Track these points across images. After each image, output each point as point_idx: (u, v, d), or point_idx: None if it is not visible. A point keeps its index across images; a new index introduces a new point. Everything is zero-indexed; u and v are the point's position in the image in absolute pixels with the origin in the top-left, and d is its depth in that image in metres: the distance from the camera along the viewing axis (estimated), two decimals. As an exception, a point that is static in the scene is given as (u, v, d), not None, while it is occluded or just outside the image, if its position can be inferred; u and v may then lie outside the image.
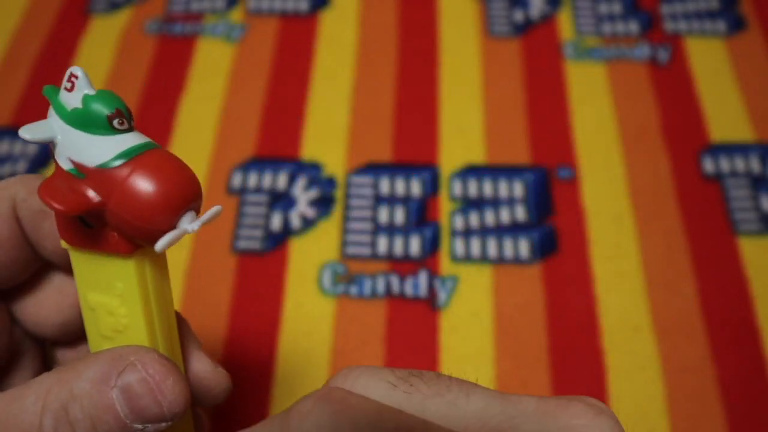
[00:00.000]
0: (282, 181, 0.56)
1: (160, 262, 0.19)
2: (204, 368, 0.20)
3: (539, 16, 0.66)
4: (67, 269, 0.20)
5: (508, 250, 0.51)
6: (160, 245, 0.17)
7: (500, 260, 0.51)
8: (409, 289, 0.50)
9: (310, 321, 0.49)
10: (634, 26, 0.64)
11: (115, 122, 0.17)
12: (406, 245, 0.52)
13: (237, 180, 0.56)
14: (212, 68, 0.63)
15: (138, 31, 0.67)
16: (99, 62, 0.64)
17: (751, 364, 0.46)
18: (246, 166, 0.57)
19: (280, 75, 0.63)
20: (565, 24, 0.65)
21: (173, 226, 0.17)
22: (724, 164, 0.55)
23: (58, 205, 0.16)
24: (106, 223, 0.17)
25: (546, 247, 0.52)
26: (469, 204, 0.54)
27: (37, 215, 0.19)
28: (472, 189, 0.55)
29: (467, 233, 0.53)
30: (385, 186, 0.55)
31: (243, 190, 0.55)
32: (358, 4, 0.68)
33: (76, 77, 0.17)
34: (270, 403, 0.46)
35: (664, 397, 0.45)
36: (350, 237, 0.53)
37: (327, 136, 0.59)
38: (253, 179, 0.56)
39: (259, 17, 0.67)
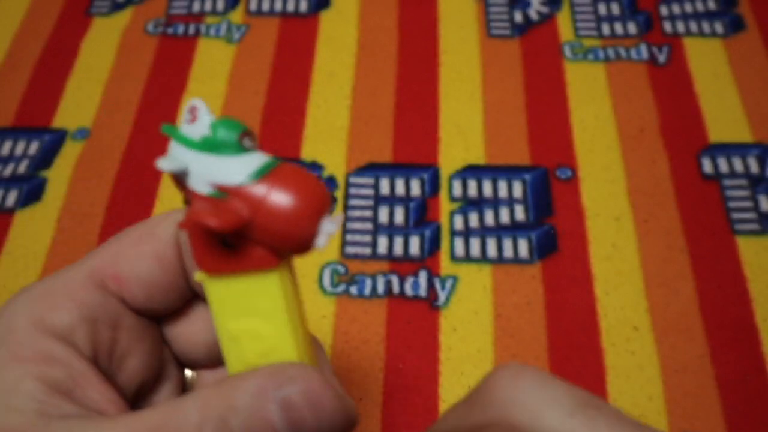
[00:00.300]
0: (282, 181, 0.56)
1: (293, 277, 0.20)
2: None
3: (539, 17, 0.66)
4: None
5: (508, 250, 0.52)
6: (321, 242, 0.18)
7: (500, 260, 0.51)
8: (409, 289, 0.50)
9: (310, 321, 0.49)
10: (633, 27, 0.65)
11: (245, 142, 0.17)
12: (406, 245, 0.52)
13: (237, 180, 0.56)
14: (213, 69, 0.64)
15: (139, 32, 0.67)
16: (100, 63, 0.65)
17: (750, 364, 0.46)
18: (246, 167, 0.57)
19: (280, 75, 0.63)
20: (564, 25, 0.65)
21: (317, 230, 0.18)
22: (723, 164, 0.56)
23: (215, 223, 0.16)
24: (247, 240, 0.17)
25: (545, 247, 0.52)
26: (468, 204, 0.54)
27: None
28: (472, 189, 0.55)
29: (467, 233, 0.53)
30: (385, 186, 0.55)
31: (243, 191, 0.56)
32: (358, 5, 0.68)
33: (197, 109, 0.17)
34: (270, 402, 0.46)
35: (662, 396, 0.45)
36: (350, 237, 0.53)
37: (327, 136, 0.59)
38: (253, 179, 0.56)
39: (259, 18, 0.67)
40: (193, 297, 0.21)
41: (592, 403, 0.17)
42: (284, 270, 0.19)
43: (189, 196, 0.19)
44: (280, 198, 0.17)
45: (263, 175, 0.18)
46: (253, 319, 0.18)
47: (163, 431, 0.16)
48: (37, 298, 0.18)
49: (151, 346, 0.20)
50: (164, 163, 0.19)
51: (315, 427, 0.16)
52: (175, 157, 0.18)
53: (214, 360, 0.21)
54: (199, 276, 0.19)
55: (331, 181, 0.56)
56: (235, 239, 0.18)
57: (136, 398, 0.20)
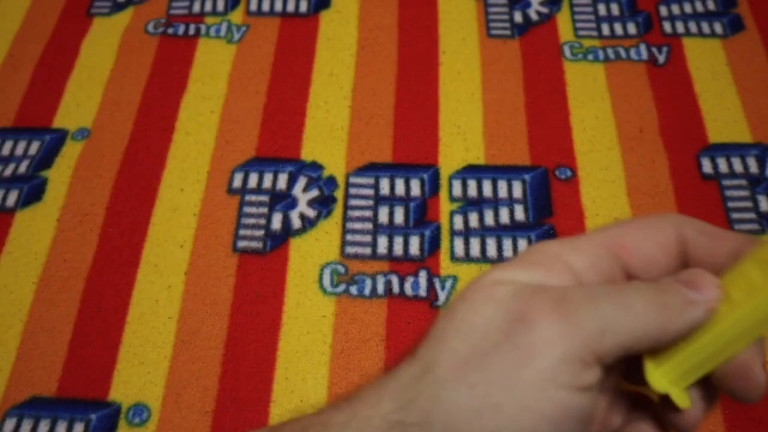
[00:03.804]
0: (282, 181, 0.56)
1: None
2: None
3: (539, 17, 0.66)
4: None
5: (508, 250, 0.52)
6: None
7: (500, 260, 0.51)
8: (409, 289, 0.50)
9: (310, 321, 0.49)
10: (632, 27, 0.65)
11: None
12: (406, 245, 0.52)
13: (237, 180, 0.56)
14: (213, 69, 0.64)
15: (139, 32, 0.67)
16: (100, 63, 0.65)
17: (749, 364, 0.47)
18: (246, 167, 0.57)
19: (281, 75, 0.63)
20: (564, 25, 0.65)
21: None
22: (722, 164, 0.56)
23: None
24: None
25: (545, 247, 0.52)
26: (468, 204, 0.54)
27: (704, 234, 0.23)
28: (472, 189, 0.55)
29: (467, 233, 0.53)
30: (385, 186, 0.55)
31: (243, 191, 0.56)
32: (358, 5, 0.68)
33: None
34: (270, 402, 0.46)
35: (662, 396, 0.45)
36: (350, 237, 0.53)
37: (327, 136, 0.59)
38: (253, 179, 0.56)
39: (259, 18, 0.67)
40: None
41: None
42: None
43: None
44: None
45: None
46: None
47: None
48: (564, 243, 0.23)
49: None
50: None
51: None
52: None
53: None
54: None
55: (331, 181, 0.56)
56: None
57: None
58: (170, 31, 0.67)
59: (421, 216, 0.54)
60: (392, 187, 0.55)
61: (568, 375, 0.20)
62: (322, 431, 0.20)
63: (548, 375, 0.20)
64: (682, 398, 0.22)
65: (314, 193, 0.55)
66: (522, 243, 0.52)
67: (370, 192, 0.55)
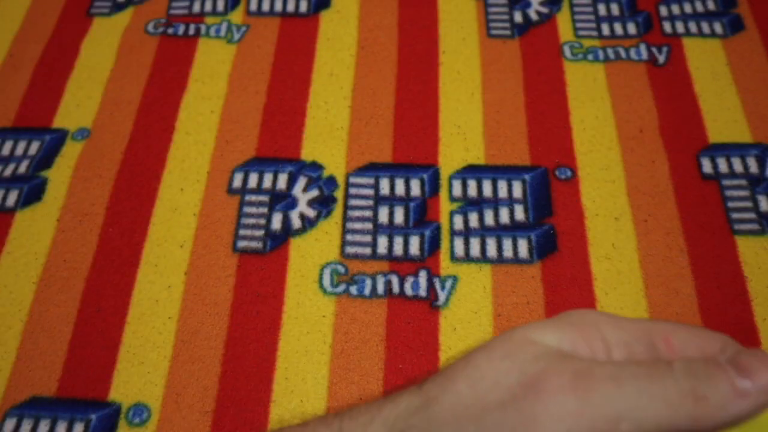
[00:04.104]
0: (282, 181, 0.56)
1: None
2: None
3: (539, 17, 0.66)
4: None
5: (508, 250, 0.52)
6: None
7: (500, 260, 0.51)
8: (409, 289, 0.50)
9: (310, 321, 0.49)
10: (632, 27, 0.65)
11: None
12: (406, 245, 0.52)
13: (237, 180, 0.56)
14: (213, 69, 0.64)
15: (139, 32, 0.67)
16: (100, 63, 0.65)
17: (749, 364, 0.47)
18: (246, 167, 0.57)
19: (281, 75, 0.63)
20: (564, 25, 0.65)
21: None
22: (722, 164, 0.56)
23: None
24: None
25: (545, 247, 0.52)
26: (468, 204, 0.54)
27: None
28: (472, 189, 0.55)
29: (467, 233, 0.53)
30: (385, 186, 0.55)
31: (243, 191, 0.56)
32: (358, 5, 0.68)
33: None
34: (270, 402, 0.46)
35: (662, 396, 0.45)
36: (350, 237, 0.53)
37: (327, 136, 0.59)
38: (253, 179, 0.56)
39: (259, 18, 0.67)
40: None
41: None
42: None
43: None
44: None
45: None
46: None
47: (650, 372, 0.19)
48: (606, 315, 0.21)
49: None
50: None
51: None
52: None
53: None
54: None
55: (331, 181, 0.56)
56: None
57: None
58: (170, 31, 0.67)
59: (421, 216, 0.54)
60: (392, 187, 0.55)
61: None
62: None
63: None
64: None
65: (314, 193, 0.55)
66: (522, 243, 0.52)
67: (370, 192, 0.55)
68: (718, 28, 0.64)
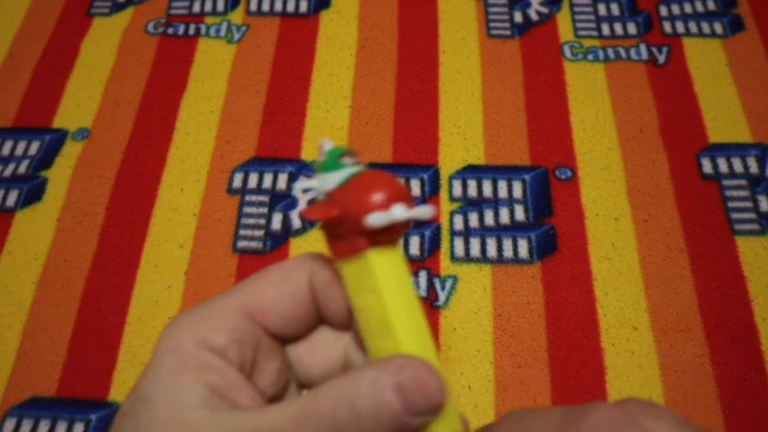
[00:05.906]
0: (282, 181, 0.56)
1: (395, 259, 0.24)
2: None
3: (539, 17, 0.66)
4: (340, 328, 0.25)
5: (508, 250, 0.52)
6: (370, 220, 0.22)
7: (500, 260, 0.51)
8: (408, 289, 0.50)
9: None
10: (632, 27, 0.65)
11: (345, 161, 0.24)
12: (406, 245, 0.52)
13: (237, 180, 0.56)
14: (213, 69, 0.64)
15: (139, 32, 0.67)
16: (100, 63, 0.65)
17: (749, 363, 0.47)
18: (246, 166, 0.57)
19: (281, 75, 0.63)
20: (564, 25, 0.65)
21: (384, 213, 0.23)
22: (722, 164, 0.56)
23: (311, 216, 0.23)
24: (348, 231, 0.23)
25: (545, 247, 0.52)
26: (468, 204, 0.54)
27: (327, 284, 0.24)
28: (472, 189, 0.55)
29: (467, 233, 0.53)
30: (385, 186, 0.55)
31: (243, 191, 0.56)
32: (358, 5, 0.68)
33: (322, 146, 0.24)
34: (271, 402, 0.46)
35: (662, 395, 0.45)
36: (350, 237, 0.53)
37: (327, 136, 0.59)
38: (253, 179, 0.56)
39: (259, 18, 0.67)
40: (318, 327, 0.26)
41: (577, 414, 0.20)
42: (380, 254, 0.23)
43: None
44: (356, 189, 0.23)
45: (348, 181, 0.23)
46: (366, 294, 0.23)
47: (306, 414, 0.20)
48: (199, 321, 0.22)
49: (280, 365, 0.25)
50: (301, 184, 0.24)
51: (425, 404, 0.21)
52: (311, 181, 0.24)
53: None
54: (337, 264, 0.24)
55: (331, 181, 0.56)
56: (343, 232, 0.23)
57: None
58: (170, 31, 0.67)
59: (421, 216, 0.54)
60: (392, 187, 0.55)
61: None
62: None
63: None
64: None
65: (314, 193, 0.55)
66: (522, 243, 0.52)
67: (370, 192, 0.55)
68: (718, 28, 0.64)
